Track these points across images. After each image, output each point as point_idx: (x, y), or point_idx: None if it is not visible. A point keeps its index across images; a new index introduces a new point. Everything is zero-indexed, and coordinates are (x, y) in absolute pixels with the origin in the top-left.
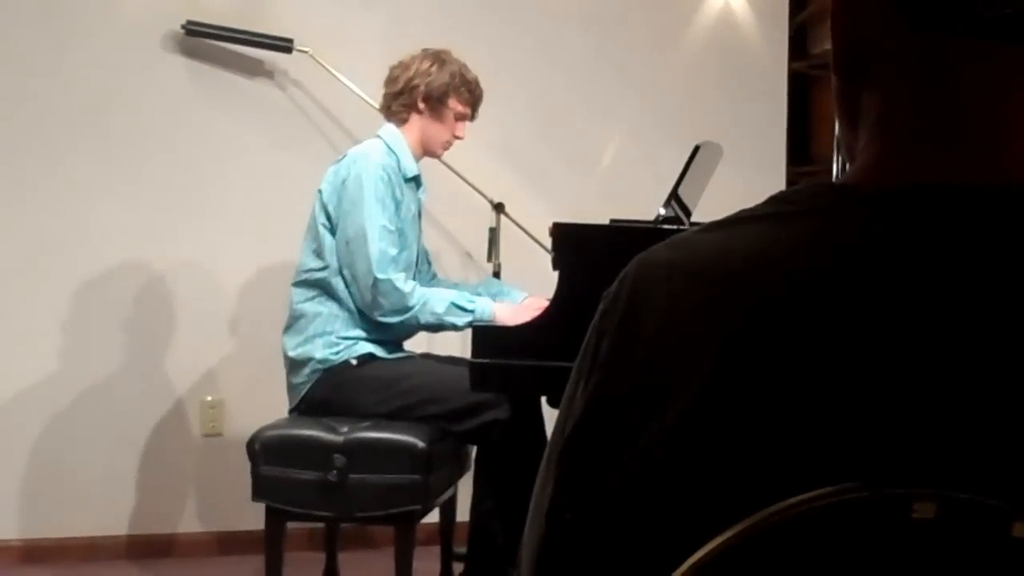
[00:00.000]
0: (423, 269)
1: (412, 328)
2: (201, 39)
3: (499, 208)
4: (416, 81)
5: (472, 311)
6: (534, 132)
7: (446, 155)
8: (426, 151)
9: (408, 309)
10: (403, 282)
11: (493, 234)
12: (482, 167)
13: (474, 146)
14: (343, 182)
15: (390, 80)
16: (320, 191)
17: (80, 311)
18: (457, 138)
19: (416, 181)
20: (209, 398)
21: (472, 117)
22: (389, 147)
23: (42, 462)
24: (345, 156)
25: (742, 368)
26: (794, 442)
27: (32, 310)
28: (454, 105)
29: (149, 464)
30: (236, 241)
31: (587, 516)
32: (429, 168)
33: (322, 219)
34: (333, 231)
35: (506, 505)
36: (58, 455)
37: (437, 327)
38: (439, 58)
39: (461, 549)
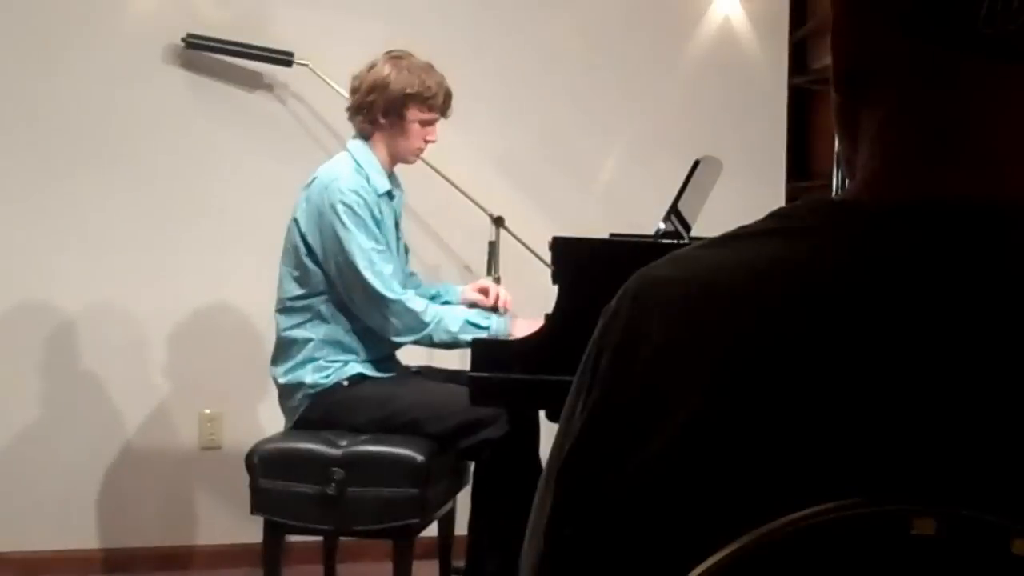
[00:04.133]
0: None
1: (426, 345)
2: (201, 52)
3: (499, 222)
4: (371, 97)
5: (487, 327)
6: (534, 146)
7: (445, 168)
8: (398, 161)
9: (423, 327)
10: (414, 301)
11: (493, 248)
12: (482, 181)
13: (474, 159)
14: (319, 212)
15: (351, 92)
16: (296, 220)
17: (80, 320)
18: (429, 142)
19: (388, 194)
20: (208, 411)
21: (445, 115)
22: (358, 164)
23: (39, 474)
24: (314, 179)
25: (741, 384)
26: (793, 458)
27: (34, 317)
28: (414, 115)
29: (147, 476)
30: (236, 254)
31: (586, 532)
32: (428, 180)
33: (303, 249)
34: (316, 260)
35: (502, 521)
36: (55, 467)
37: (452, 345)
38: (397, 64)
39: (459, 563)
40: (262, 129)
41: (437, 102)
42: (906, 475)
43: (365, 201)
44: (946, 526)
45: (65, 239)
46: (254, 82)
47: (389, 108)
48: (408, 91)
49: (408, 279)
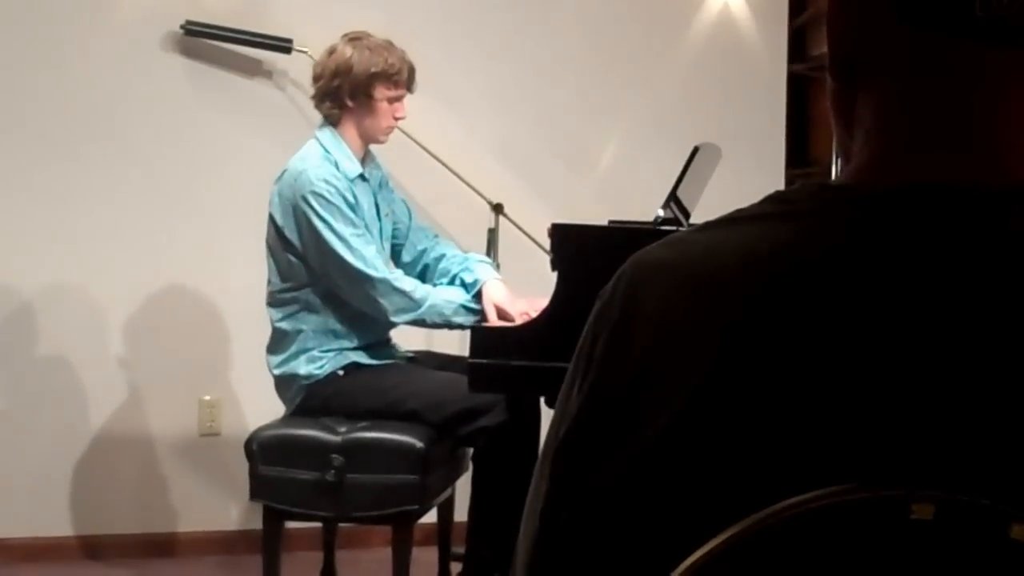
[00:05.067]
0: (423, 238)
1: (419, 326)
2: (200, 39)
3: (498, 209)
4: (336, 82)
5: (479, 310)
6: (533, 133)
7: (445, 156)
8: (368, 142)
9: (415, 307)
10: (402, 281)
11: (492, 235)
12: (481, 168)
13: (473, 147)
14: (292, 207)
15: (314, 79)
16: (271, 215)
17: (78, 307)
18: (399, 119)
19: (362, 177)
20: (207, 397)
21: (411, 90)
22: (326, 151)
23: (36, 459)
24: (284, 172)
25: (737, 368)
26: (791, 443)
27: (33, 305)
28: (382, 94)
29: (147, 463)
30: (235, 241)
31: (582, 516)
32: (428, 168)
33: (282, 243)
34: (296, 253)
35: (501, 508)
36: (54, 453)
37: (443, 326)
38: (356, 46)
39: (459, 549)
40: (261, 116)
41: (402, 78)
42: (905, 460)
43: (336, 188)
44: (945, 511)
45: (65, 225)
46: (253, 69)
47: (356, 90)
48: (373, 70)
49: (421, 235)
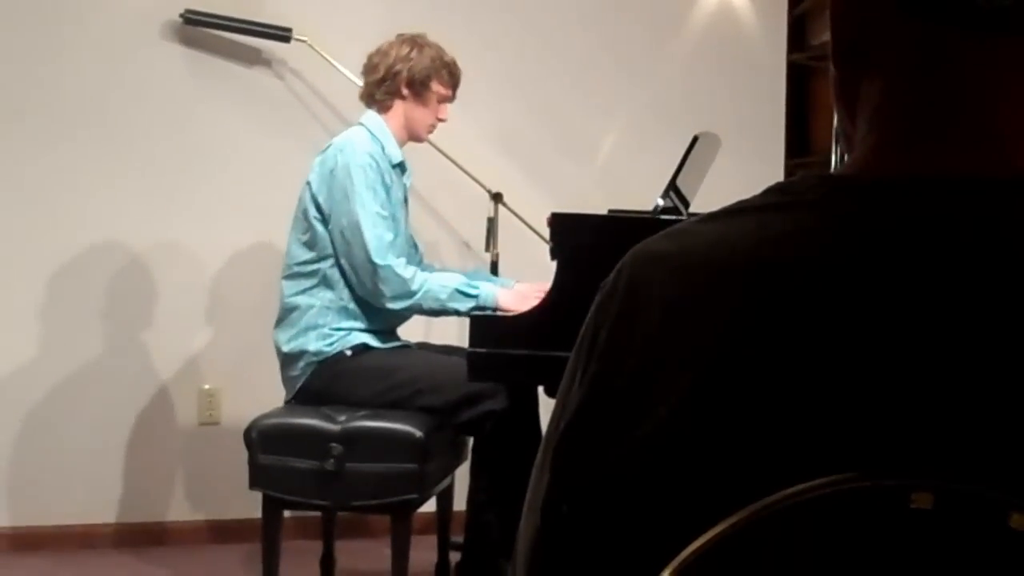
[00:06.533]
0: (411, 254)
1: (415, 313)
2: (199, 28)
3: (497, 198)
4: (398, 67)
5: (475, 296)
6: (533, 122)
7: (444, 145)
8: (411, 136)
9: (411, 295)
10: (403, 268)
11: (491, 224)
12: (481, 157)
13: (472, 136)
14: (331, 172)
15: (370, 68)
16: (308, 183)
17: (79, 298)
18: (440, 120)
19: (401, 167)
20: (206, 386)
21: (453, 98)
22: (372, 134)
23: (37, 449)
24: (330, 146)
25: (738, 358)
26: (792, 433)
27: (31, 297)
28: (437, 88)
29: (146, 452)
30: (234, 229)
31: (583, 508)
32: (427, 157)
33: (313, 211)
34: (325, 222)
35: (501, 496)
36: (54, 442)
37: (440, 312)
38: (416, 42)
39: (458, 538)
40: (260, 105)
41: (456, 79)
42: (905, 449)
43: (378, 164)
44: (944, 500)
45: (62, 215)
46: (252, 58)
47: (414, 79)
48: (435, 64)
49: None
